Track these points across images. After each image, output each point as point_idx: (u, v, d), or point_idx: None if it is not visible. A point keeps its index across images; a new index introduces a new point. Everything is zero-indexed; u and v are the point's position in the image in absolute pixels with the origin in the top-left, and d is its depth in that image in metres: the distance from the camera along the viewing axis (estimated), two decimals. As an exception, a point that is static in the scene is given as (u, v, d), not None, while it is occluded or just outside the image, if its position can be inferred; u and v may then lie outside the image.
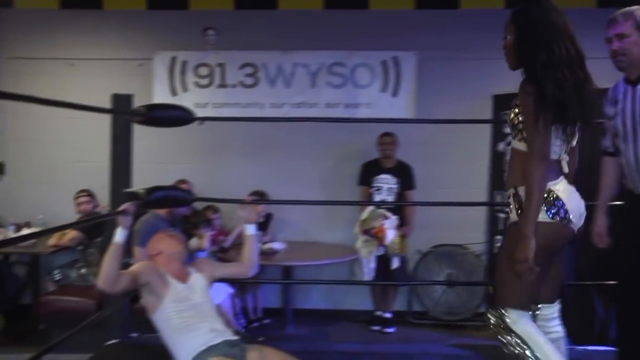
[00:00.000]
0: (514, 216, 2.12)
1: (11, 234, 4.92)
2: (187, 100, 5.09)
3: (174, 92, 4.90)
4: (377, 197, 5.14)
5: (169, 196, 2.93)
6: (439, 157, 5.46)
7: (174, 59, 5.36)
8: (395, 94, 5.36)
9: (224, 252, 4.83)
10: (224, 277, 2.89)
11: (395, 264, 4.92)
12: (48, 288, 4.90)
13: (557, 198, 2.04)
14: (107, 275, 2.31)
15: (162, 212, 4.29)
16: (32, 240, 4.78)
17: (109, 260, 2.34)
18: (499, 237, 5.30)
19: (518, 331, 2.04)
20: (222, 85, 5.41)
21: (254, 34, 5.38)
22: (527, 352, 2.01)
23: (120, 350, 2.74)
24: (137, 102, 2.95)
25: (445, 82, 5.41)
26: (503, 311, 2.07)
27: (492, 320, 2.11)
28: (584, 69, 2.06)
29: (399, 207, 5.09)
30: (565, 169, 2.11)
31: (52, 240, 4.82)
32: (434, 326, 5.27)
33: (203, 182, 5.09)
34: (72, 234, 4.79)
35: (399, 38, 5.38)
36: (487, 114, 5.36)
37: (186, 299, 2.46)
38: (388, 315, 5.17)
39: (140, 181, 3.19)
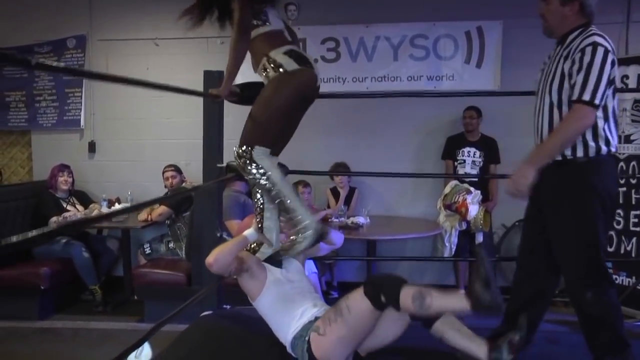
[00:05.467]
0: (272, 74, 2.45)
1: (105, 209, 5.13)
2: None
3: (256, 69, 4.92)
4: (461, 171, 5.07)
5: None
6: (525, 130, 5.26)
7: (256, 36, 5.36)
8: (479, 65, 5.22)
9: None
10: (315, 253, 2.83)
11: (479, 238, 4.84)
12: (139, 261, 5.09)
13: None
14: (226, 261, 2.31)
15: (238, 185, 4.38)
16: (124, 215, 4.98)
17: (233, 248, 2.35)
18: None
19: (262, 164, 2.38)
20: (304, 61, 5.38)
21: (334, 8, 5.33)
22: (271, 180, 2.38)
23: (215, 321, 2.83)
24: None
25: (532, 50, 5.15)
26: (251, 147, 2.37)
27: (240, 152, 2.39)
28: None
29: (483, 182, 4.99)
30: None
31: (143, 215, 5.00)
32: (518, 302, 5.16)
33: (287, 158, 5.09)
34: (160, 209, 4.96)
35: (483, 7, 5.21)
36: (577, 83, 5.13)
37: (286, 281, 2.44)
38: (472, 290, 5.11)
39: (228, 157, 3.26)
